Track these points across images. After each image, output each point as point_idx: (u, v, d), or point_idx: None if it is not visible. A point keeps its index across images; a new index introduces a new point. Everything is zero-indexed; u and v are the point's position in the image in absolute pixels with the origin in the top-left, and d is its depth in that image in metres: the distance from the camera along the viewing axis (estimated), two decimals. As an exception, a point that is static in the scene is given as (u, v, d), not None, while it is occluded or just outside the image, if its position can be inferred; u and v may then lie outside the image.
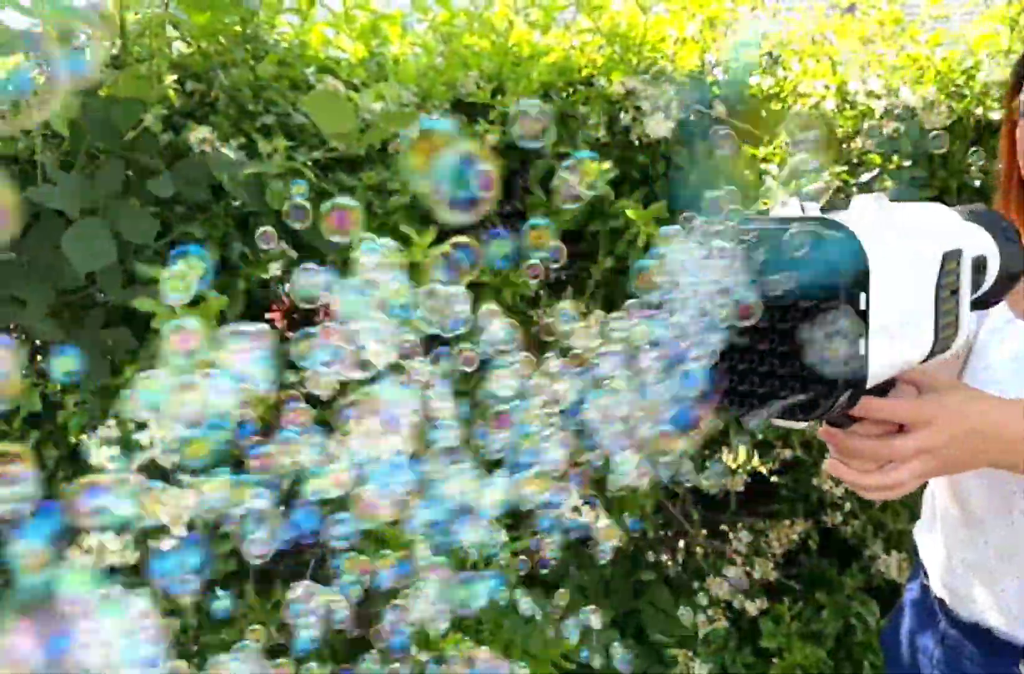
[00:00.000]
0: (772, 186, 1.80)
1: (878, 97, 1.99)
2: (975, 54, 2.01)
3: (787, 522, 2.25)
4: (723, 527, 2.31)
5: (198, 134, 1.29)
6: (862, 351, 0.62)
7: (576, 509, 1.90)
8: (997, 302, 0.84)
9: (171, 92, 1.35)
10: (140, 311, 1.25)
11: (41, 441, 1.36)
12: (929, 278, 0.69)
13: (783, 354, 0.63)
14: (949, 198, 1.97)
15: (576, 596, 2.02)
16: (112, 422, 1.25)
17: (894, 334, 0.65)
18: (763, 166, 1.87)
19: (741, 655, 2.15)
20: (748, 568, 2.23)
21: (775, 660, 2.14)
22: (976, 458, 0.82)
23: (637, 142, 1.89)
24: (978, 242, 0.77)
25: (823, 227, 0.62)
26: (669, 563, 2.27)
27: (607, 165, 1.74)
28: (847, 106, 2.04)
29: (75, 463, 1.36)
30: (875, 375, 0.65)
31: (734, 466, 2.20)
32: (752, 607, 2.19)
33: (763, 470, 2.32)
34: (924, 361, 0.73)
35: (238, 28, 1.40)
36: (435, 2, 1.82)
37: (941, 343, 0.71)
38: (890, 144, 1.92)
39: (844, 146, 1.99)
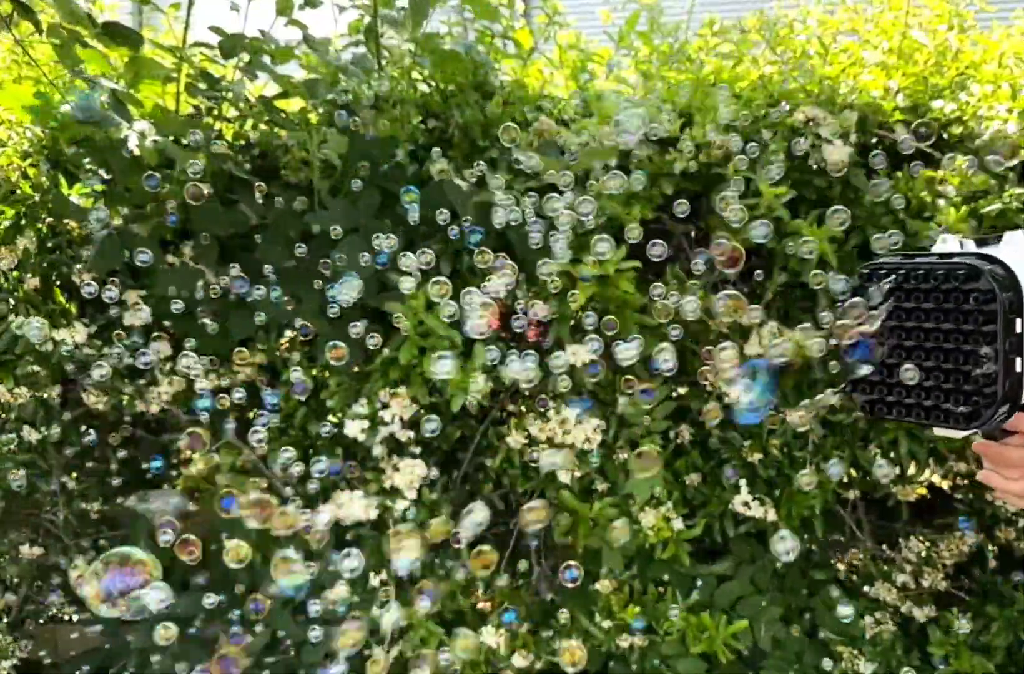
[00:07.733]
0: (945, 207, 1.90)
1: (1062, 120, 2.03)
2: None
3: (957, 534, 2.29)
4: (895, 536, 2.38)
5: (438, 166, 1.55)
6: (1019, 369, 0.69)
7: (746, 504, 2.06)
8: None
9: (416, 130, 1.63)
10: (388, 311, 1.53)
11: (307, 416, 1.65)
12: None
13: (947, 371, 0.73)
14: None
15: (748, 587, 2.15)
16: (364, 401, 1.52)
17: None
18: (940, 188, 1.96)
19: (908, 658, 2.21)
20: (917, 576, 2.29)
21: (942, 667, 2.19)
22: None
23: (815, 166, 2.02)
24: None
25: (982, 261, 0.69)
26: (840, 565, 2.36)
27: (784, 189, 1.89)
28: (1030, 130, 2.08)
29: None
30: None
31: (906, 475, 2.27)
32: (920, 614, 2.25)
33: (944, 485, 2.37)
34: None
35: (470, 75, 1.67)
36: (637, 38, 2.03)
37: None
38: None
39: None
